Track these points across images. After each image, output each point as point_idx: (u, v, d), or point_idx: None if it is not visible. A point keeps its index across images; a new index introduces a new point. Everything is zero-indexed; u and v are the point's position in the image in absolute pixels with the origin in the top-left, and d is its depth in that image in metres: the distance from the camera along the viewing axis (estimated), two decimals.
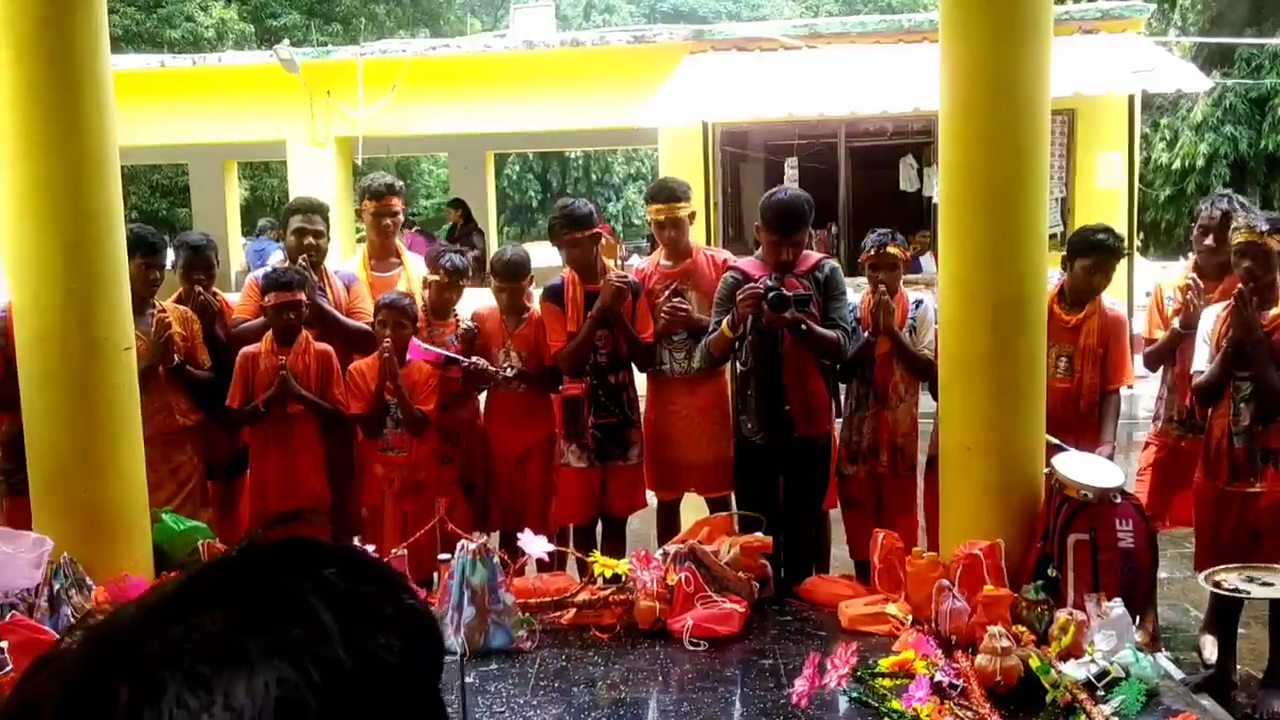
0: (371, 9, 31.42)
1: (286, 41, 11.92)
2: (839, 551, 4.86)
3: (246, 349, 4.49)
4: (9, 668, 3.22)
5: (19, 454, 4.06)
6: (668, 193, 4.75)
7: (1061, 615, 3.46)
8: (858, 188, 10.54)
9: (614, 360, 4.63)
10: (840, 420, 4.64)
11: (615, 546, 4.69)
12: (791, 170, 10.29)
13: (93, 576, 3.83)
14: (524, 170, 37.19)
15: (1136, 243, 12.16)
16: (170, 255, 4.99)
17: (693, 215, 4.82)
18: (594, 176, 36.78)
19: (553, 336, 4.60)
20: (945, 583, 3.64)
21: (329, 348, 4.56)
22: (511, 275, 4.70)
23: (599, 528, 4.82)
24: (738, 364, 4.43)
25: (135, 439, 4.06)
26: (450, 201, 14.71)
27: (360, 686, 0.61)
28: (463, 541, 3.80)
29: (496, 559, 3.81)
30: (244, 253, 13.43)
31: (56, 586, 3.70)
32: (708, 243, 9.39)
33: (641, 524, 5.30)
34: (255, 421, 4.47)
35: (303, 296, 4.45)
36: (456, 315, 4.81)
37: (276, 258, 12.64)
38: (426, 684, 0.68)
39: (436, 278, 4.66)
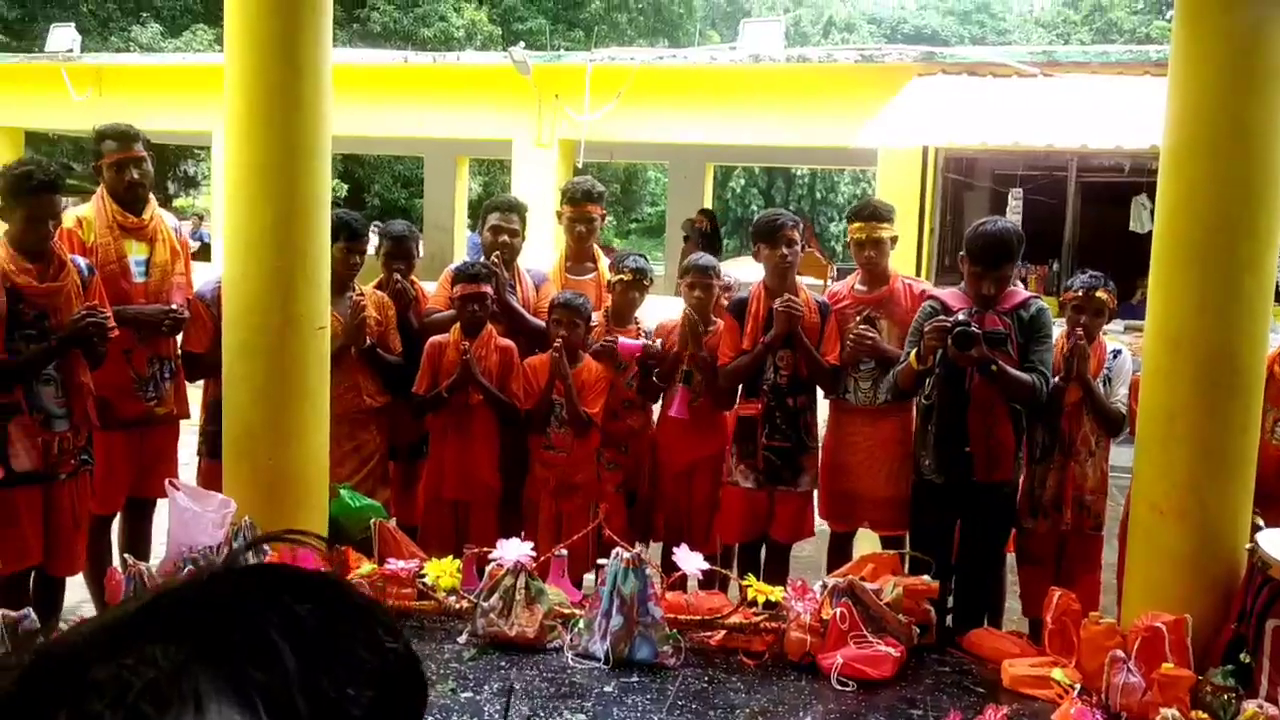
0: (614, 17, 32.14)
1: (522, 45, 12.28)
2: (1016, 604, 4.60)
3: (435, 338, 4.62)
4: None
5: (219, 418, 4.29)
6: (870, 211, 4.63)
7: (1250, 707, 3.14)
8: (1086, 225, 10.00)
9: (794, 382, 4.52)
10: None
11: (778, 572, 4.58)
12: (1015, 201, 9.86)
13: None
14: (749, 184, 37.21)
15: None
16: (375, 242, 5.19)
17: (894, 239, 4.68)
18: (818, 195, 36.45)
19: (723, 349, 4.54)
20: (1120, 654, 3.38)
21: (511, 344, 4.64)
22: (699, 274, 4.68)
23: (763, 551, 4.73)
24: (922, 398, 4.25)
25: (322, 414, 4.22)
26: (700, 210, 14.81)
27: None
28: (617, 549, 3.78)
29: (649, 570, 3.77)
30: (467, 245, 13.92)
31: (235, 547, 3.89)
32: (918, 270, 9.12)
33: (815, 551, 5.18)
34: (438, 408, 4.59)
35: (489, 290, 4.55)
36: (638, 321, 4.81)
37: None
38: None
39: (622, 277, 4.69)
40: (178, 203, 26.81)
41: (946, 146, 9.70)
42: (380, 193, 29.75)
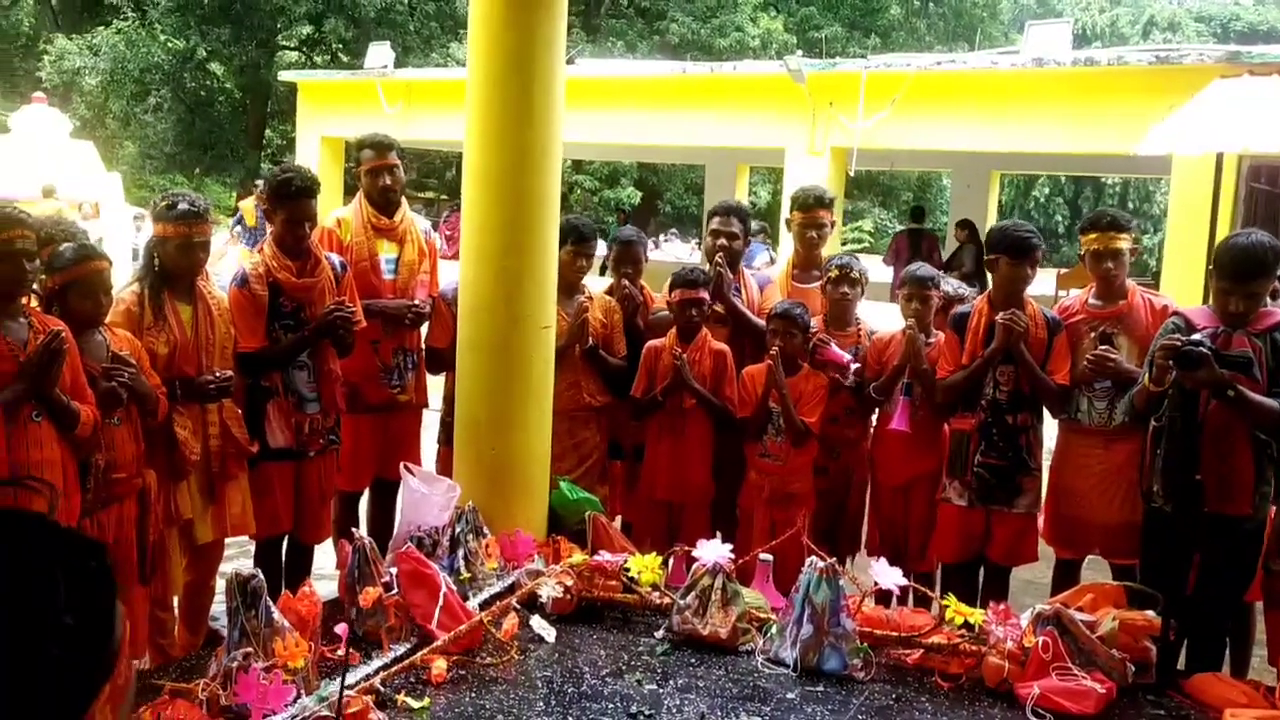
0: (913, 23, 31.55)
1: (799, 53, 12.32)
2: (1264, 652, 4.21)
3: (651, 342, 4.76)
4: (395, 591, 3.68)
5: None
6: (1107, 220, 4.38)
7: None
8: None
9: (1016, 399, 4.34)
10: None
11: (996, 596, 4.40)
12: None
13: (490, 527, 4.25)
14: (1054, 193, 35.50)
15: None
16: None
17: (1134, 251, 4.40)
18: (1131, 205, 34.27)
19: (942, 363, 4.42)
20: None
21: (726, 348, 4.71)
22: (917, 285, 4.58)
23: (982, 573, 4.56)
24: (1153, 420, 3.97)
25: (544, 409, 4.44)
26: (959, 222, 14.45)
27: None
28: (811, 558, 3.77)
29: (842, 581, 3.74)
30: None
31: (458, 530, 4.15)
32: (1205, 287, 8.44)
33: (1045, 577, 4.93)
34: (654, 410, 4.72)
35: (705, 295, 4.63)
36: (859, 322, 4.76)
37: (763, 258, 13.19)
38: None
39: (829, 274, 4.66)
40: None
41: (1254, 154, 8.91)
42: (672, 200, 30.53)
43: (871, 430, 4.81)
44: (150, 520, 3.79)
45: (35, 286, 3.50)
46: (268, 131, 31.46)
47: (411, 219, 4.85)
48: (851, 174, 11.30)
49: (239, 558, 4.82)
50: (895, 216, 31.29)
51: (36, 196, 13.83)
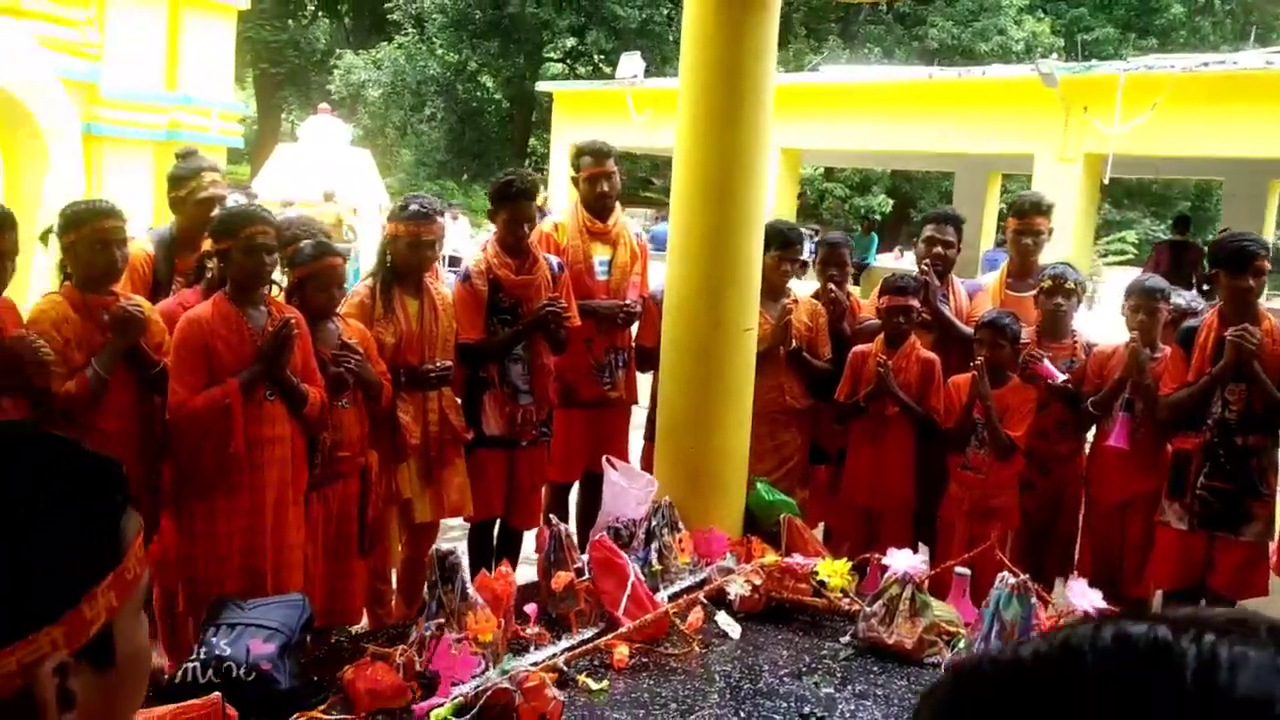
0: (1196, 22, 29.55)
1: (1055, 56, 11.86)
2: None
3: (858, 347, 4.73)
4: (586, 577, 3.84)
5: None
6: None
7: None
8: None
9: (1247, 419, 4.07)
10: None
11: None
12: None
13: (685, 523, 4.34)
14: None
15: None
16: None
17: None
18: None
19: (1166, 379, 4.19)
20: None
21: (934, 356, 4.63)
22: (1144, 297, 4.38)
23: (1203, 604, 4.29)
24: None
25: (744, 410, 4.49)
26: (1221, 232, 13.48)
27: None
28: (1003, 574, 3.66)
29: (1034, 600, 3.62)
30: (982, 260, 13.64)
31: (653, 523, 4.27)
32: None
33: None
34: (856, 416, 4.70)
35: (914, 303, 4.57)
36: (1075, 334, 4.58)
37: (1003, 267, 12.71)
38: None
39: (1042, 285, 4.50)
40: None
41: None
42: (924, 208, 29.78)
43: (1088, 447, 4.62)
44: (371, 498, 4.11)
45: (278, 279, 3.87)
46: (531, 140, 32.84)
47: (624, 223, 5.02)
48: (1105, 181, 10.76)
49: (462, 540, 5.12)
50: (1167, 228, 29.40)
51: (318, 200, 15.05)
